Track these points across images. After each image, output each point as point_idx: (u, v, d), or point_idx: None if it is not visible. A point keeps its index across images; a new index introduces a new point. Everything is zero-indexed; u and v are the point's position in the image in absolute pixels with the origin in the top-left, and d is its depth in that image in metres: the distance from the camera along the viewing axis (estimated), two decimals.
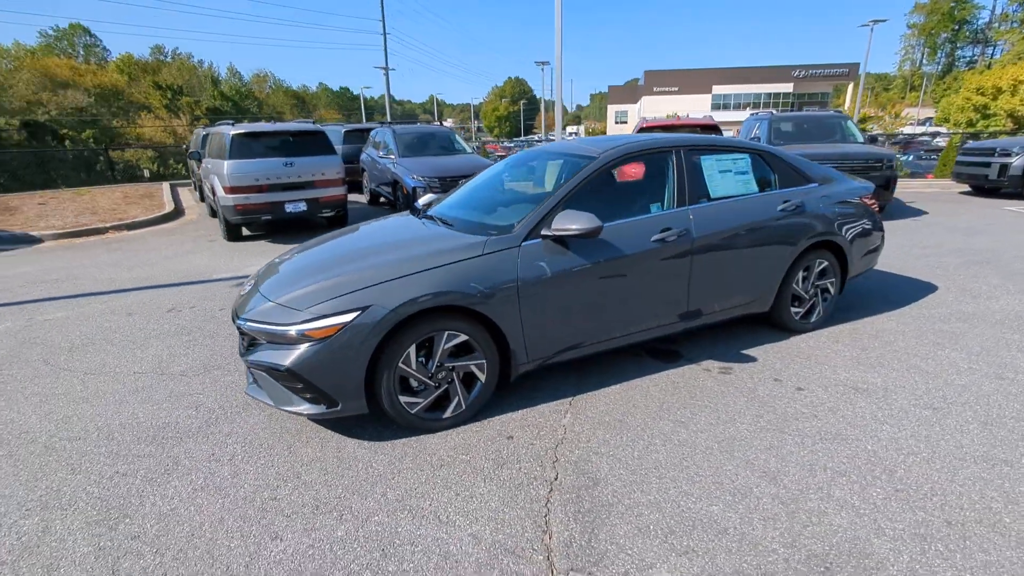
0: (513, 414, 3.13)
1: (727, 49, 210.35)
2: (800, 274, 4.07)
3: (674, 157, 3.65)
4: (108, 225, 10.03)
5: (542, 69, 33.12)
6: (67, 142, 30.65)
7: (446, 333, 2.88)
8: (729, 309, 3.83)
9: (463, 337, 2.93)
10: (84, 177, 21.40)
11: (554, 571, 2.01)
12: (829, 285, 4.26)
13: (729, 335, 4.15)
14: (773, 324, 4.18)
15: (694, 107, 42.61)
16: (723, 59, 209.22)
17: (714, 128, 9.25)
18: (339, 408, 2.77)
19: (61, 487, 2.58)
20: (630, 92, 65.25)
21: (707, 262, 3.58)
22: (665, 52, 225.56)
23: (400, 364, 2.81)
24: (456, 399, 3.01)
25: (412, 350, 2.82)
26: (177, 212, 12.07)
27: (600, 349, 3.42)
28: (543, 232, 3.09)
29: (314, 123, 9.62)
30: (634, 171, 3.69)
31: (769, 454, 2.67)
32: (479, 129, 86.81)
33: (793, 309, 4.13)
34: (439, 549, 2.13)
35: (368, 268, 2.93)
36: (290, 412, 2.83)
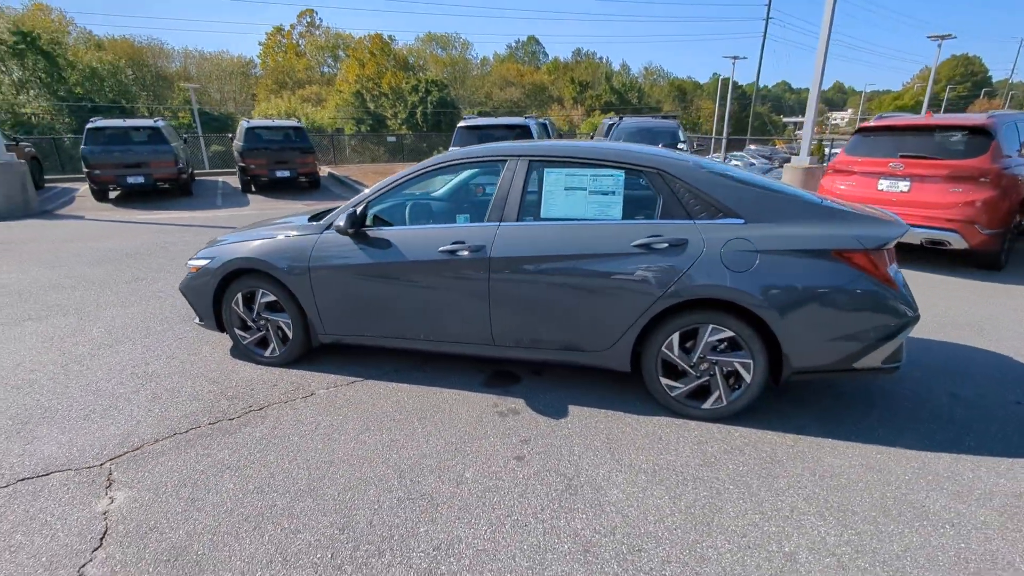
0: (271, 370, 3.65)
1: None
2: (675, 337, 2.95)
3: (506, 168, 3.23)
4: None
5: None
6: None
7: (260, 291, 3.62)
8: (560, 351, 3.17)
9: (272, 297, 3.61)
10: None
11: None
12: (739, 367, 2.90)
13: (592, 383, 3.37)
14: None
15: None
16: None
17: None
18: (200, 322, 3.89)
19: None
20: None
21: (511, 288, 3.10)
22: None
23: (232, 305, 3.72)
24: (272, 345, 3.73)
25: (239, 298, 3.68)
26: None
27: (404, 346, 3.48)
28: (335, 224, 3.41)
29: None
30: (458, 179, 3.41)
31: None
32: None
33: (665, 382, 3.04)
34: None
35: (239, 236, 3.87)
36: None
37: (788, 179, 9.46)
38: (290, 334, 3.65)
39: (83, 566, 2.03)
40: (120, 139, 11.43)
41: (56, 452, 2.73)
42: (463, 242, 3.15)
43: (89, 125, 11.30)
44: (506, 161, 3.26)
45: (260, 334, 3.73)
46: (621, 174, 3.07)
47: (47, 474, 2.56)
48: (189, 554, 2.08)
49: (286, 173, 12.57)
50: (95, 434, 2.89)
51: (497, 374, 3.59)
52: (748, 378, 2.89)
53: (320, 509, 2.32)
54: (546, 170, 3.18)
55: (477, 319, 3.22)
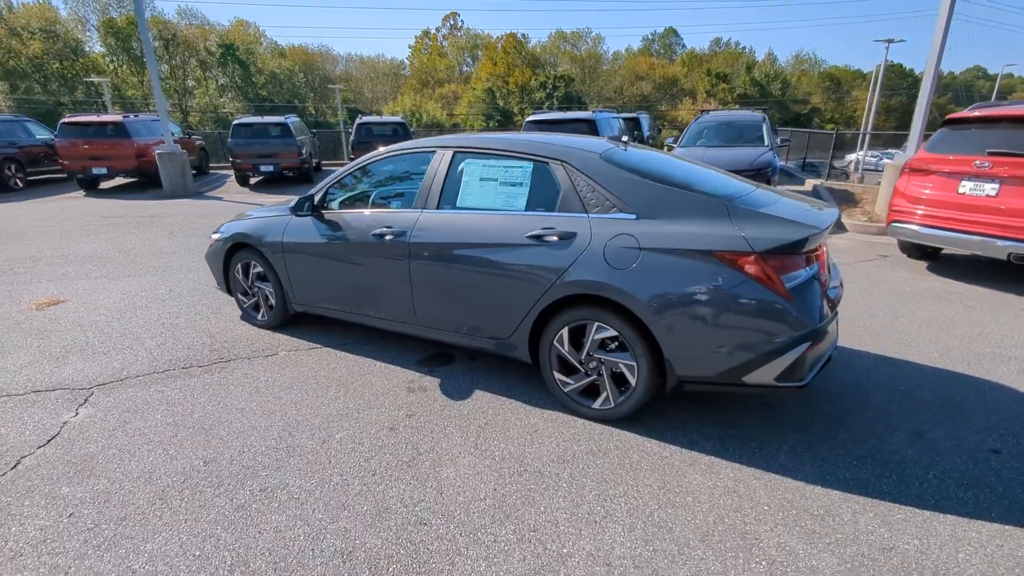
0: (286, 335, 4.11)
1: None
2: (565, 332, 2.87)
3: (435, 159, 3.34)
4: None
5: None
6: None
7: (252, 262, 4.16)
8: (470, 336, 3.24)
9: (260, 269, 4.13)
10: None
11: None
12: (624, 369, 2.74)
13: (516, 374, 3.38)
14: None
15: None
16: None
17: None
18: (218, 287, 4.56)
19: None
20: None
21: (427, 271, 3.24)
22: None
23: (235, 274, 4.31)
24: (262, 310, 4.26)
25: (239, 268, 4.26)
26: None
27: (362, 321, 3.76)
28: (295, 207, 3.80)
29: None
30: (400, 168, 3.57)
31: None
32: None
33: (559, 376, 2.97)
34: None
35: (253, 212, 4.45)
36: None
37: (887, 180, 8.19)
38: (273, 302, 4.15)
39: (23, 458, 2.61)
40: (257, 133, 13.30)
41: (69, 375, 3.47)
42: (391, 227, 3.36)
43: (235, 122, 13.29)
44: (434, 152, 3.39)
45: (254, 300, 4.29)
46: (530, 166, 3.05)
47: (51, 390, 3.28)
48: (93, 461, 2.58)
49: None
50: (102, 366, 3.60)
51: (436, 355, 3.75)
52: (632, 381, 2.74)
53: (204, 444, 2.71)
54: (467, 161, 3.26)
55: (403, 299, 3.41)
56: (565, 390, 2.97)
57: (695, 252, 2.52)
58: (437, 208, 3.26)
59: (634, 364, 2.71)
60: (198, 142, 15.77)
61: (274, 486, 2.40)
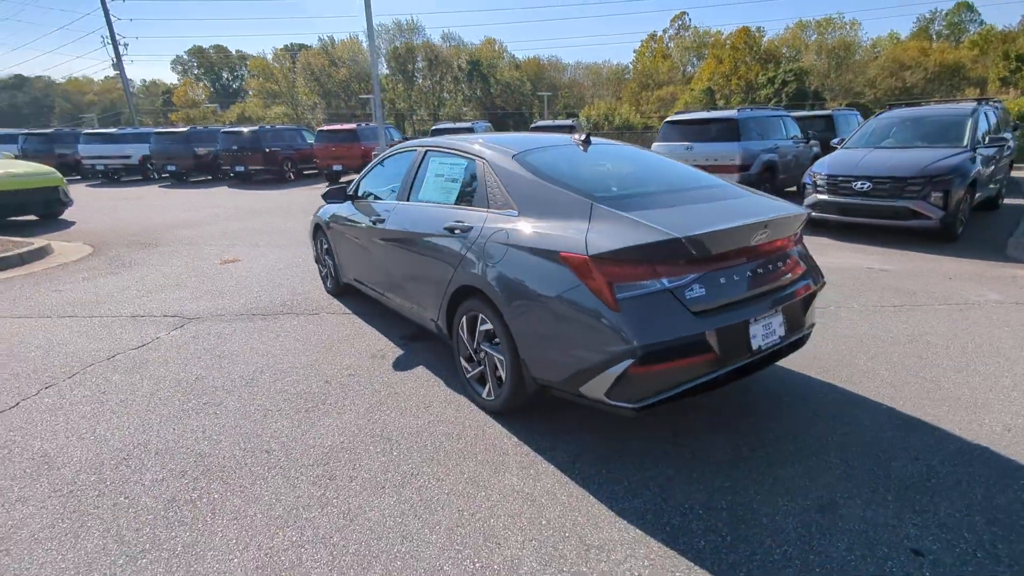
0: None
1: None
2: (464, 321, 2.95)
3: (417, 157, 3.66)
4: None
5: None
6: None
7: (321, 239, 5.08)
8: (423, 320, 3.52)
9: (327, 244, 5.02)
10: None
11: None
12: (498, 362, 2.71)
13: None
14: None
15: None
16: None
17: None
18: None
19: None
20: None
21: (391, 256, 3.64)
22: None
23: (317, 249, 5.30)
24: (329, 280, 5.16)
25: (318, 243, 5.22)
26: None
27: (368, 294, 4.35)
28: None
29: None
30: (400, 164, 3.89)
31: None
32: None
33: (463, 363, 3.06)
34: None
35: None
36: None
37: None
38: (333, 273, 5.02)
39: (118, 353, 3.84)
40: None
41: (189, 308, 4.81)
42: (378, 214, 3.84)
43: (433, 127, 15.39)
44: (415, 150, 3.74)
45: (325, 270, 5.23)
46: (464, 163, 3.20)
47: (168, 316, 4.62)
48: (155, 363, 3.66)
49: None
50: (213, 305, 4.89)
51: (419, 333, 4.12)
52: (503, 375, 2.73)
53: (215, 365, 3.59)
54: (430, 158, 3.54)
55: (383, 278, 3.88)
56: (467, 376, 3.07)
57: (546, 251, 2.42)
58: (407, 200, 3.63)
59: (503, 358, 2.70)
60: None
61: (219, 400, 3.11)
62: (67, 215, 10.62)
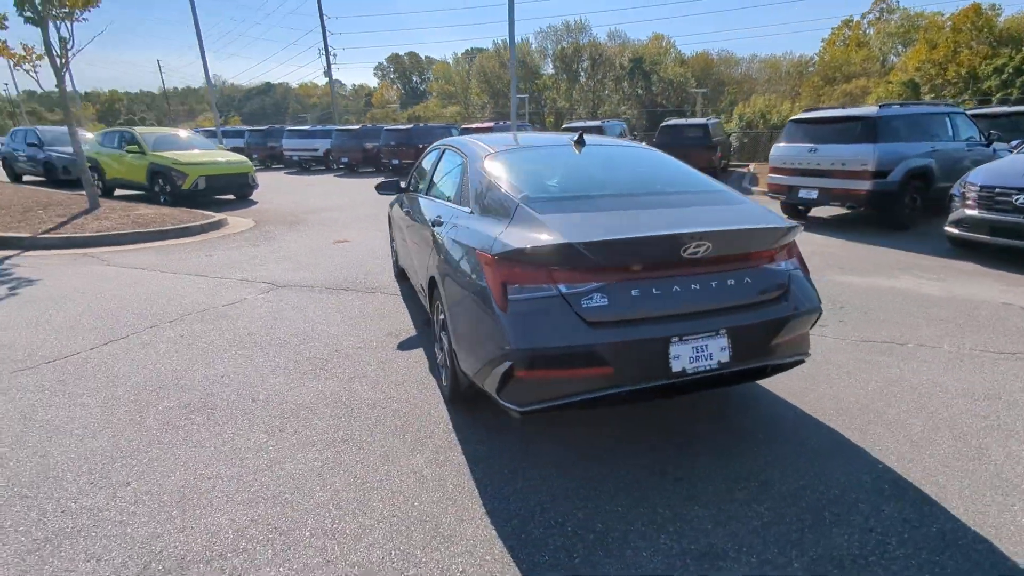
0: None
1: None
2: (435, 309, 3.08)
3: (438, 154, 3.86)
4: None
5: None
6: None
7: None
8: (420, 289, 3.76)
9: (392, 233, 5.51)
10: None
11: None
12: (446, 351, 2.80)
13: None
14: None
15: None
16: None
17: None
18: None
19: None
20: None
21: (410, 246, 3.91)
22: None
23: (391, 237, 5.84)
24: (394, 265, 5.66)
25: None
26: None
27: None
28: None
29: None
30: (429, 161, 4.07)
31: None
32: None
33: (436, 350, 3.20)
34: None
35: None
36: None
37: None
38: (394, 259, 5.49)
39: (210, 308, 4.72)
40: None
41: (283, 277, 5.66)
42: (409, 206, 4.14)
43: (564, 126, 15.41)
44: (438, 148, 3.94)
45: (393, 255, 5.74)
46: (460, 160, 3.31)
47: (261, 283, 5.50)
48: (239, 318, 4.45)
49: None
50: (297, 275, 5.70)
51: None
52: (449, 364, 2.82)
53: (283, 327, 4.25)
54: (445, 155, 3.71)
55: (411, 264, 4.17)
56: (436, 361, 3.22)
57: (469, 249, 2.46)
58: (427, 194, 3.86)
59: (445, 349, 2.80)
60: None
61: (250, 354, 3.70)
62: (254, 196, 12.95)
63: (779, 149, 7.96)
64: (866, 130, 6.87)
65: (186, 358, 3.65)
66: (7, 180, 15.76)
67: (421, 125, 18.81)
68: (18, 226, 7.94)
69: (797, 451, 2.52)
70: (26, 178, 15.97)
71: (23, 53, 8.43)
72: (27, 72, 8.48)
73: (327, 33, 40.44)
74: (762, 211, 2.54)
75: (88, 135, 14.34)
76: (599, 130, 14.49)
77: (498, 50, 65.78)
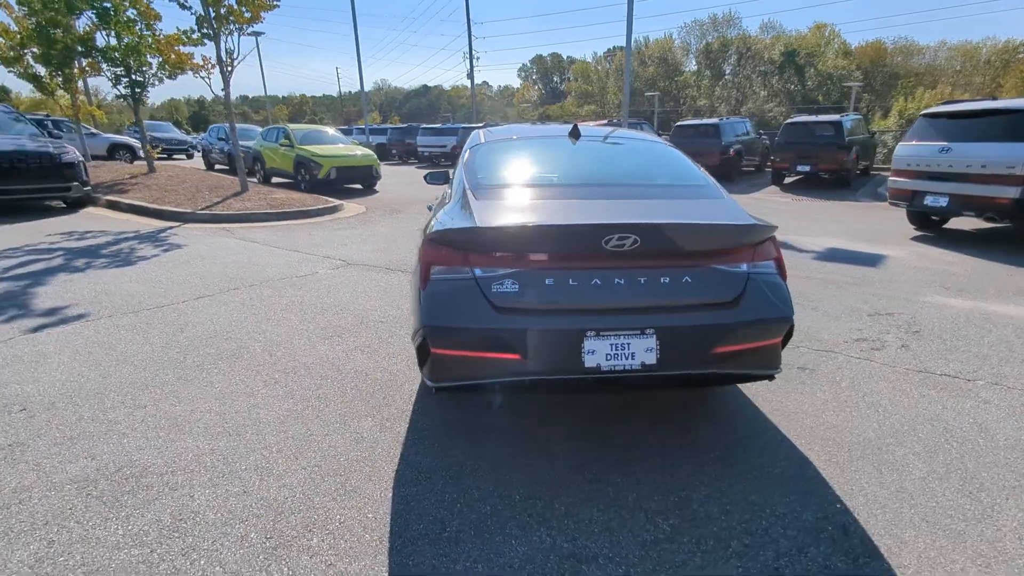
0: None
1: None
2: None
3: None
4: None
5: None
6: None
7: None
8: None
9: None
10: None
11: None
12: None
13: None
14: None
15: None
16: None
17: None
18: None
19: None
20: None
21: None
22: None
23: None
24: None
25: None
26: None
27: None
28: None
29: None
30: None
31: None
32: None
33: None
34: None
35: None
36: None
37: None
38: None
39: (290, 276, 5.39)
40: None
41: (351, 255, 6.24)
42: None
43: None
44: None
45: None
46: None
47: (336, 259, 6.11)
48: (311, 286, 5.07)
49: (806, 168, 11.89)
50: (370, 256, 6.23)
51: None
52: None
53: (317, 297, 4.77)
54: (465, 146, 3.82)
55: None
56: None
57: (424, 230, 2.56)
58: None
59: None
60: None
61: (288, 318, 4.20)
62: (378, 186, 14.25)
63: (904, 148, 6.76)
64: (1017, 126, 5.56)
65: (243, 316, 4.25)
66: (203, 168, 19.20)
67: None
68: (186, 203, 9.72)
69: (746, 473, 2.24)
70: (217, 167, 19.32)
71: (201, 63, 10.26)
72: (203, 79, 10.30)
73: (472, 37, 42.79)
74: (730, 210, 2.29)
75: (258, 131, 16.94)
76: (715, 128, 13.45)
77: (639, 47, 63.95)
